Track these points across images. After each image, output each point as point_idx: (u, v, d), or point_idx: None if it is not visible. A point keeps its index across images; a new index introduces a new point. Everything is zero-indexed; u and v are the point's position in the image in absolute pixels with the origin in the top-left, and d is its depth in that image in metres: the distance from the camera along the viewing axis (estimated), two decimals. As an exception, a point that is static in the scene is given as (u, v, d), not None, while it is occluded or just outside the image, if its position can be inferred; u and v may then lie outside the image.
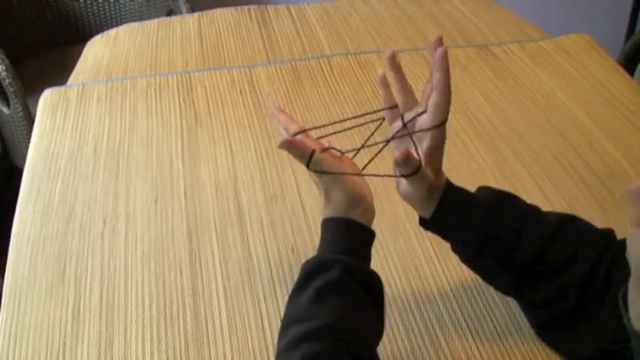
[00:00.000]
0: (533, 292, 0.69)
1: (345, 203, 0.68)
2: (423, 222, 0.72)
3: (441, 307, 0.80)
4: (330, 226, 0.68)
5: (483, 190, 0.72)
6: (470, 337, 0.76)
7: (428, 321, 0.78)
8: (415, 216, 0.73)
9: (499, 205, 0.69)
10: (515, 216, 0.69)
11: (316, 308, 0.61)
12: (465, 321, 0.78)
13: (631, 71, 1.63)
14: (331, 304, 0.61)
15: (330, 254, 0.66)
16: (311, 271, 0.64)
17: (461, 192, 0.71)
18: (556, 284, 0.67)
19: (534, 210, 0.71)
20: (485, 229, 0.68)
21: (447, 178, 0.70)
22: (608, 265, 0.65)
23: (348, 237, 0.67)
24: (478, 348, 0.75)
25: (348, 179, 0.68)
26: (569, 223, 0.69)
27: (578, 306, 0.66)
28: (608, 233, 0.69)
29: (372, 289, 0.66)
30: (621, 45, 1.77)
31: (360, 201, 0.68)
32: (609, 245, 0.67)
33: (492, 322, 0.78)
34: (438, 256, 0.86)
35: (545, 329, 0.73)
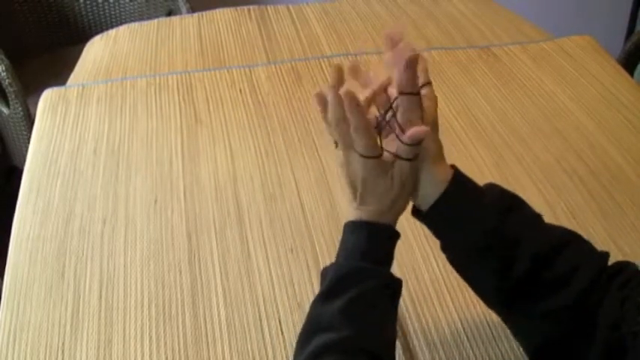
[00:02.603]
0: (525, 310, 0.65)
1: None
2: (417, 212, 0.67)
3: (437, 310, 0.80)
4: (371, 230, 0.65)
5: (491, 187, 0.68)
6: (465, 340, 0.76)
7: (424, 323, 0.78)
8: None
9: (508, 206, 0.65)
10: (520, 223, 0.65)
11: (348, 319, 0.60)
12: (462, 324, 0.78)
13: (630, 71, 1.63)
14: (364, 317, 0.60)
15: (369, 264, 0.63)
16: (347, 279, 0.62)
17: (469, 185, 0.66)
18: (548, 304, 0.63)
19: (539, 220, 0.67)
20: (491, 228, 0.63)
21: (454, 166, 0.66)
22: (601, 293, 0.61)
23: (385, 245, 0.66)
24: (473, 351, 0.75)
25: None
26: (573, 240, 0.65)
27: (572, 329, 0.62)
28: (604, 256, 0.65)
29: (396, 300, 0.65)
30: (621, 45, 1.77)
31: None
32: (602, 271, 0.63)
33: (489, 325, 0.78)
34: (437, 259, 0.86)
35: (540, 356, 0.68)
